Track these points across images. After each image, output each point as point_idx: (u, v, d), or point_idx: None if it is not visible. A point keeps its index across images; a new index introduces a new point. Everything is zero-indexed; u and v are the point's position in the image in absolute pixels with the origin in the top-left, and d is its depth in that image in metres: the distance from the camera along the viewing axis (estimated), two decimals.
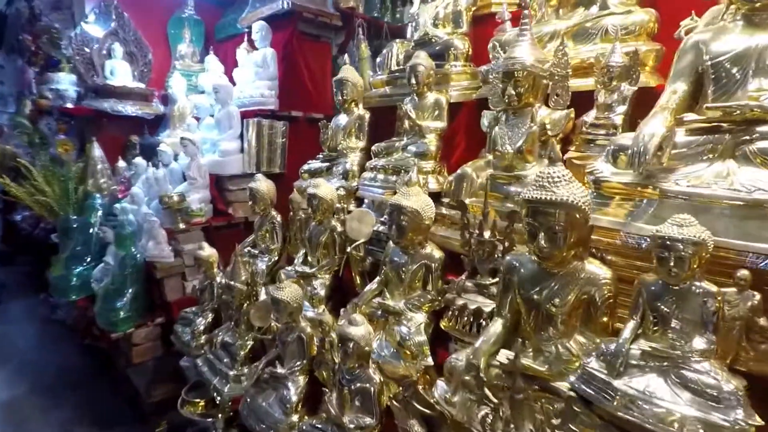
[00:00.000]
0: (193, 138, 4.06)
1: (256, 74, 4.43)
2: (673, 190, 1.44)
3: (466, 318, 1.87)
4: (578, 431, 1.32)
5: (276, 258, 3.21)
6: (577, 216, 1.41)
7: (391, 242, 2.26)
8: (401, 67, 3.20)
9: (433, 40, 3.02)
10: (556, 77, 2.05)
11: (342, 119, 3.25)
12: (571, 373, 1.41)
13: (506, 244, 1.86)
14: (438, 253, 2.08)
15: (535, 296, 1.55)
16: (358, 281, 2.58)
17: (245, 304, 2.68)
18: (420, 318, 2.02)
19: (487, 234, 1.88)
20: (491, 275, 1.92)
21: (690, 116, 1.53)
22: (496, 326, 1.64)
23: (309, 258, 2.80)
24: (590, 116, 2.04)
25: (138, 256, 3.69)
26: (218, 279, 3.10)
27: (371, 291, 2.24)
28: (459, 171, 2.28)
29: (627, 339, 1.30)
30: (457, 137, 2.86)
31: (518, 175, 2.08)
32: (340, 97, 3.17)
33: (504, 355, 1.56)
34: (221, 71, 5.04)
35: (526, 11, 2.11)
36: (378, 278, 2.29)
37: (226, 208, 4.25)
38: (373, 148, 2.93)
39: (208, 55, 5.22)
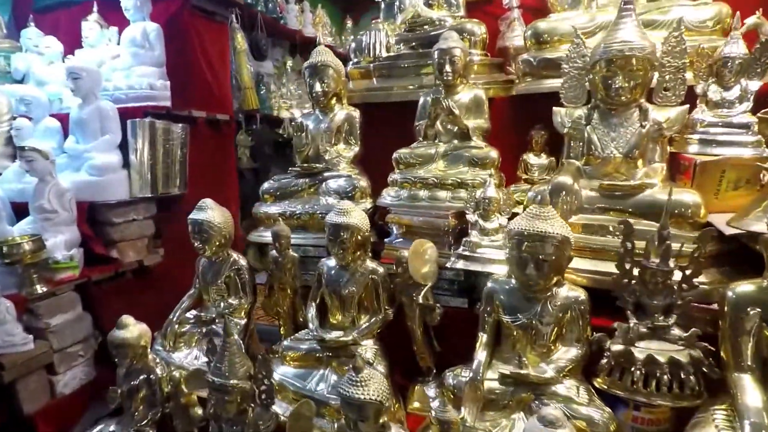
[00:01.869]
0: (44, 149, 2.58)
1: (134, 57, 3.12)
2: None
3: (663, 375, 1.41)
4: None
5: (245, 321, 2.20)
6: None
7: (493, 285, 1.66)
8: (394, 53, 2.55)
9: (437, 23, 2.48)
10: (667, 68, 1.76)
11: (321, 119, 2.42)
12: None
13: (688, 272, 1.47)
14: (581, 293, 1.58)
15: None
16: (421, 340, 1.87)
17: (251, 410, 1.69)
18: (577, 385, 1.49)
19: (672, 262, 1.46)
20: (664, 313, 1.51)
21: None
22: (756, 391, 1.24)
23: (333, 318, 1.95)
24: (702, 113, 1.82)
25: None
26: (158, 371, 1.96)
27: (485, 358, 1.60)
28: (555, 182, 1.81)
29: None
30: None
31: (642, 184, 1.72)
32: (318, 89, 2.34)
33: None
34: (60, 50, 3.46)
35: None
36: (484, 338, 1.66)
37: (106, 252, 2.84)
38: (396, 155, 2.22)
39: (27, 28, 3.52)
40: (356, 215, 1.86)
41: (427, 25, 2.50)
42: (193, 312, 2.25)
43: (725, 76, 1.79)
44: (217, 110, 3.59)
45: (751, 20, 1.98)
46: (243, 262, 2.23)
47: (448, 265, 1.86)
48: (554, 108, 1.98)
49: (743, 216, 1.60)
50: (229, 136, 3.84)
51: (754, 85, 1.76)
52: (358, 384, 1.38)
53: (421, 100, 2.27)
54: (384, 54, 2.54)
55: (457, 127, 2.15)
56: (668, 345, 1.48)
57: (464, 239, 1.84)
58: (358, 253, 1.89)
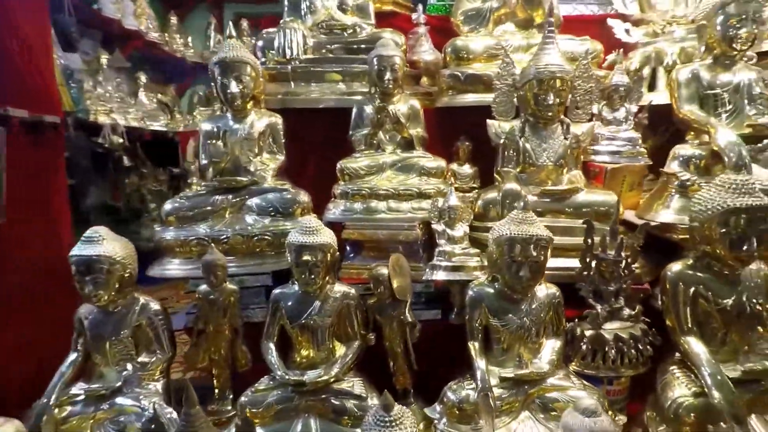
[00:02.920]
0: None
1: None
2: None
3: (630, 349, 1.65)
4: None
5: (164, 381, 1.71)
6: None
7: (477, 291, 1.69)
8: (313, 57, 2.35)
9: (353, 29, 2.40)
10: (579, 90, 2.09)
11: (237, 126, 2.06)
12: None
13: (629, 260, 1.76)
14: (556, 289, 1.71)
15: (728, 302, 1.57)
16: (401, 362, 1.75)
17: None
18: (566, 373, 1.63)
19: (624, 253, 1.72)
20: (615, 297, 1.77)
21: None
22: (701, 347, 1.55)
23: (300, 355, 1.67)
24: (600, 129, 2.20)
25: None
26: None
27: (486, 365, 1.60)
28: (505, 189, 1.95)
29: None
30: None
31: (574, 188, 1.99)
32: (235, 90, 1.99)
33: (735, 371, 1.51)
34: None
35: (551, 18, 2.03)
36: (476, 345, 1.65)
37: None
38: (341, 165, 2.03)
39: None
40: (326, 233, 1.65)
41: (344, 30, 2.39)
42: (81, 385, 1.63)
43: (614, 100, 2.22)
44: (40, 109, 2.72)
45: (611, 57, 2.50)
46: (155, 305, 1.73)
47: (424, 277, 1.80)
48: (488, 121, 2.12)
49: (648, 210, 2.00)
50: (57, 143, 2.95)
51: (634, 108, 2.24)
52: (393, 425, 1.21)
53: (356, 108, 2.15)
54: (302, 56, 2.31)
55: (400, 137, 2.11)
56: (621, 323, 1.73)
57: (437, 249, 1.80)
58: (328, 276, 1.67)
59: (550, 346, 1.66)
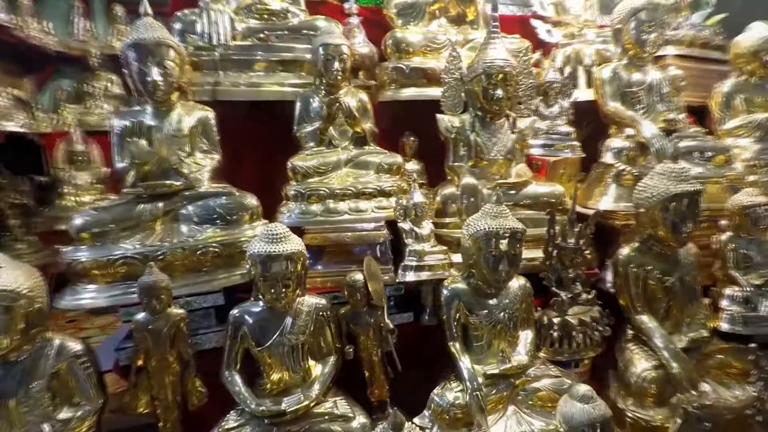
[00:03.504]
0: None
1: None
2: None
3: (594, 332, 1.74)
4: None
5: None
6: None
7: (452, 290, 1.64)
8: (242, 42, 2.08)
9: (285, 15, 2.20)
10: (521, 85, 2.16)
11: (161, 121, 1.74)
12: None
13: (584, 247, 1.86)
14: (526, 280, 1.73)
15: (671, 279, 1.74)
16: (378, 372, 1.63)
17: None
18: (543, 362, 1.66)
19: (582, 241, 1.80)
20: (573, 283, 1.85)
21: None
22: (654, 323, 1.70)
23: (270, 380, 1.45)
24: (538, 124, 2.30)
25: None
26: None
27: (471, 363, 1.55)
28: (464, 184, 1.94)
29: None
30: None
31: (526, 181, 2.05)
32: (157, 77, 1.68)
33: (681, 341, 1.68)
34: None
35: (496, 14, 2.06)
36: (457, 345, 1.60)
37: None
38: (292, 164, 1.81)
39: None
40: (295, 240, 1.46)
41: (273, 15, 2.16)
42: None
43: (549, 96, 2.33)
44: None
45: (535, 56, 2.63)
46: (76, 345, 1.38)
47: (398, 279, 1.70)
48: (438, 116, 2.08)
49: (588, 198, 2.14)
50: None
51: (567, 103, 2.37)
52: None
53: (301, 101, 1.96)
54: (230, 42, 2.03)
55: (352, 131, 1.97)
56: (579, 308, 1.83)
57: (408, 249, 1.71)
58: (299, 288, 1.48)
59: (525, 337, 1.68)
